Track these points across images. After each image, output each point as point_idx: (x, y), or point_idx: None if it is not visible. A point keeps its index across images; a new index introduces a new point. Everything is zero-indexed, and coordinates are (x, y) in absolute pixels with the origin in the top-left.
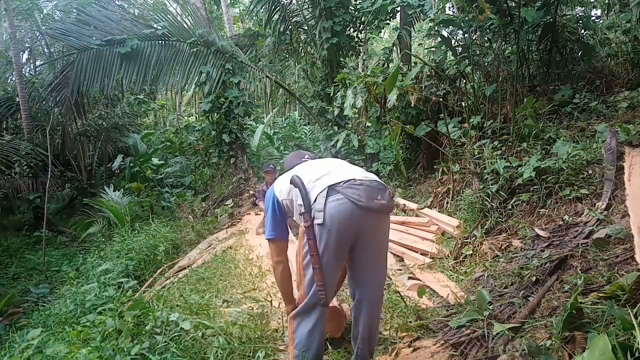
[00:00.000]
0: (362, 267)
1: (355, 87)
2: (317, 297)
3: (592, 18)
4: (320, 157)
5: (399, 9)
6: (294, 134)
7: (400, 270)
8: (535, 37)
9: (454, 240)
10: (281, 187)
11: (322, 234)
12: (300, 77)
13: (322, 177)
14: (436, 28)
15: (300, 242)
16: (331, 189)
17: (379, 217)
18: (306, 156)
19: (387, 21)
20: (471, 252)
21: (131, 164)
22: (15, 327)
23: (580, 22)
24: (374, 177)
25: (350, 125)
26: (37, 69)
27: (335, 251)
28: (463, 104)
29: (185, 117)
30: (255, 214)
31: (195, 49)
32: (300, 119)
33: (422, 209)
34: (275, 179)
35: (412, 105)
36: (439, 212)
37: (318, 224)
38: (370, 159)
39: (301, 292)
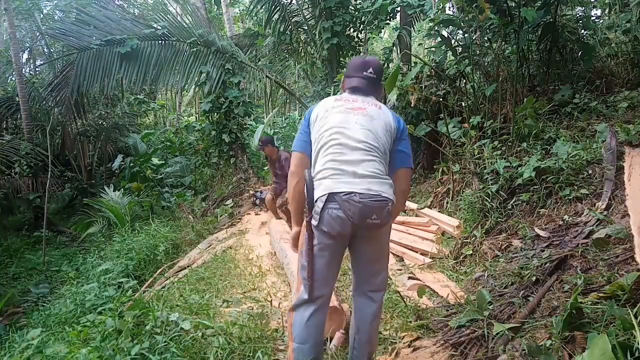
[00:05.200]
0: (359, 269)
1: None
2: (306, 290)
3: (592, 18)
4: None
5: (399, 9)
6: (294, 134)
7: (400, 270)
8: (535, 37)
9: (454, 240)
10: (318, 111)
11: (317, 233)
12: (300, 77)
13: (330, 176)
14: (436, 28)
15: (302, 233)
16: (331, 196)
17: (375, 228)
18: (363, 73)
19: (387, 21)
20: (471, 252)
21: (131, 164)
22: (15, 327)
23: (580, 22)
24: (376, 189)
25: None
26: (37, 69)
27: (327, 253)
28: (463, 104)
29: (185, 117)
30: (255, 214)
31: (195, 49)
32: (300, 119)
33: (422, 209)
34: (277, 150)
35: (412, 105)
36: (439, 212)
37: (314, 225)
38: None
39: (297, 284)
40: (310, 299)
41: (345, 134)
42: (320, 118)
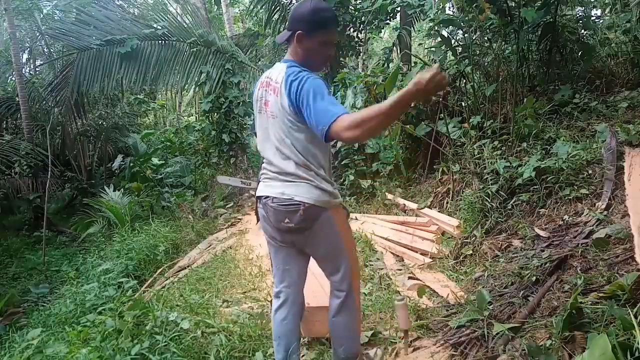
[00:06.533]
0: (319, 268)
1: (355, 87)
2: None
3: (592, 18)
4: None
5: (399, 9)
6: None
7: (400, 270)
8: (535, 37)
9: (454, 240)
10: (253, 98)
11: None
12: None
13: (262, 180)
14: (436, 28)
15: None
16: (258, 198)
17: (297, 232)
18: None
19: (387, 21)
20: (471, 252)
21: (131, 164)
22: (15, 327)
23: (580, 22)
24: (290, 193)
25: None
26: (37, 69)
27: (271, 245)
28: (463, 104)
29: (185, 117)
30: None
31: (195, 49)
32: None
33: (422, 209)
34: None
35: (412, 105)
36: (439, 212)
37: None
38: (370, 159)
39: None
40: (275, 290)
41: (265, 146)
42: (254, 111)
